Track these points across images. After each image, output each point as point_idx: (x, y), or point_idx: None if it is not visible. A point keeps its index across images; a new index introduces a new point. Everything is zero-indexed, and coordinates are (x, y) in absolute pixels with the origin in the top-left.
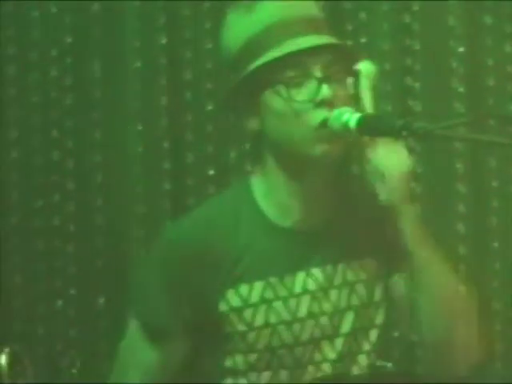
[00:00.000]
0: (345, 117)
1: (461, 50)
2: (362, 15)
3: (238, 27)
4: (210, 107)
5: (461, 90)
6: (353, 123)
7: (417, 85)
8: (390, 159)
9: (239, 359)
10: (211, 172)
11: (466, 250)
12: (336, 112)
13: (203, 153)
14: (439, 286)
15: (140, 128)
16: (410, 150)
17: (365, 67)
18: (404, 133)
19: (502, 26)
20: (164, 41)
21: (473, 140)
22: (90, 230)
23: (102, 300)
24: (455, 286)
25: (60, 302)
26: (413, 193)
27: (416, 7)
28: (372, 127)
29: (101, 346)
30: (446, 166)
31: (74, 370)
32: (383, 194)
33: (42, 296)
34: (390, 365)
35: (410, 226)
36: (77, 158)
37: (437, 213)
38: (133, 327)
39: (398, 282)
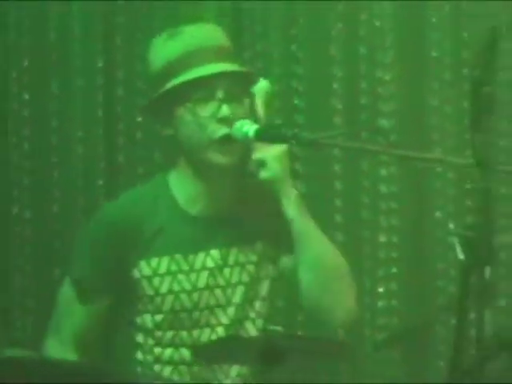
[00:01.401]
0: (245, 128)
1: (340, 74)
2: (258, 45)
3: (160, 51)
4: (139, 118)
5: (339, 107)
6: (251, 133)
7: (302, 103)
8: (269, 149)
9: (147, 318)
10: (140, 170)
11: (342, 237)
12: (238, 124)
13: (133, 155)
14: (318, 251)
15: (80, 134)
16: (296, 156)
17: (260, 86)
18: (293, 141)
19: (373, 55)
20: (101, 64)
21: (348, 148)
22: (45, 216)
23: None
24: (332, 254)
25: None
26: (292, 174)
27: (302, 37)
28: (267, 136)
29: None
30: (325, 167)
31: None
32: (264, 174)
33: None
34: (280, 328)
35: (288, 198)
36: (33, 158)
37: (318, 206)
38: (66, 283)
39: (286, 260)
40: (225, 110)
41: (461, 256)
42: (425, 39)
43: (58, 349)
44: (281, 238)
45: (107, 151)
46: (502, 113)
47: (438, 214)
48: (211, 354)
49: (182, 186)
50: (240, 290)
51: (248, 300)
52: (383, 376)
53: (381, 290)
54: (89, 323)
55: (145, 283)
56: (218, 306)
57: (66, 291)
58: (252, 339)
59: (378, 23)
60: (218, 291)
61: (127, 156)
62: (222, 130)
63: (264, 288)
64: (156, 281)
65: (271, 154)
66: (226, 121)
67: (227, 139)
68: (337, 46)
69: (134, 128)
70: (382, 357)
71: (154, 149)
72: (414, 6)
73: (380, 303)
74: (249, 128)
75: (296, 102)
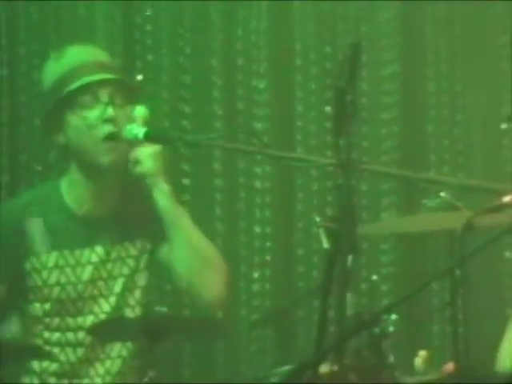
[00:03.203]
0: (135, 130)
1: (219, 82)
2: (149, 56)
3: (50, 71)
4: (38, 121)
5: (219, 112)
6: (141, 135)
7: (187, 109)
8: (144, 149)
9: (37, 306)
10: (38, 168)
11: (222, 228)
12: (128, 127)
13: (33, 153)
14: (188, 238)
15: None
16: (183, 156)
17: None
18: (179, 142)
19: (249, 66)
20: (6, 72)
21: (226, 148)
22: None
23: None
24: (202, 242)
25: None
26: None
27: (188, 49)
28: (155, 138)
29: None
30: (207, 166)
31: None
32: (138, 169)
33: None
34: (165, 309)
35: (160, 191)
36: None
37: (200, 200)
38: None
39: (163, 249)
40: (109, 111)
41: (326, 245)
42: (293, 52)
43: None
44: (157, 230)
45: (10, 150)
46: (363, 118)
47: (301, 207)
48: (103, 332)
49: (71, 190)
50: (121, 281)
51: (128, 290)
52: (257, 351)
53: (256, 275)
54: None
55: (35, 275)
56: (101, 295)
57: None
58: (137, 319)
59: (253, 38)
60: (100, 283)
61: (27, 154)
62: (108, 129)
63: (143, 279)
64: (45, 273)
65: (145, 153)
66: (111, 121)
67: (112, 137)
68: (217, 57)
69: (34, 130)
70: (257, 334)
71: (52, 148)
72: (284, 23)
73: (255, 287)
74: (138, 130)
75: (182, 108)
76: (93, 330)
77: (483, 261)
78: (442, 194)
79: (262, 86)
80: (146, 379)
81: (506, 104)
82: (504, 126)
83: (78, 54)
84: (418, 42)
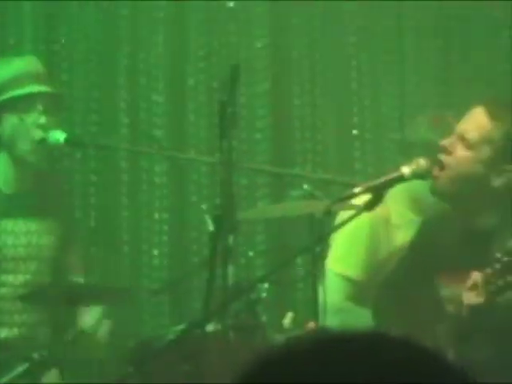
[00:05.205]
0: (57, 135)
1: (125, 96)
2: (64, 76)
3: None
4: None
5: (125, 121)
6: (62, 139)
7: (96, 118)
8: None
9: None
10: None
11: (127, 215)
12: (52, 133)
13: None
14: None
15: None
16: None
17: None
18: (92, 146)
19: (150, 83)
20: None
21: (131, 150)
22: None
23: None
24: None
25: None
26: None
27: (98, 70)
28: (73, 142)
29: None
30: (114, 164)
31: None
32: None
33: None
34: (82, 279)
35: None
36: None
37: (107, 192)
38: None
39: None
40: (43, 119)
41: (211, 228)
42: (185, 73)
43: None
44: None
45: None
46: (241, 125)
47: (193, 197)
48: (32, 299)
49: (1, 173)
50: (37, 249)
51: (44, 258)
52: (156, 313)
53: (155, 252)
54: None
55: None
56: (21, 259)
57: None
58: (57, 288)
59: (153, 61)
60: (20, 249)
61: None
62: (40, 134)
63: (53, 249)
64: None
65: None
66: (43, 127)
67: (43, 142)
68: (123, 76)
69: None
70: (156, 300)
71: None
72: (179, 50)
73: (155, 262)
74: (60, 135)
75: (94, 118)
76: (23, 297)
77: None
78: (305, 186)
79: (160, 100)
80: (68, 337)
81: (355, 115)
82: (355, 131)
83: (21, 64)
84: (285, 65)
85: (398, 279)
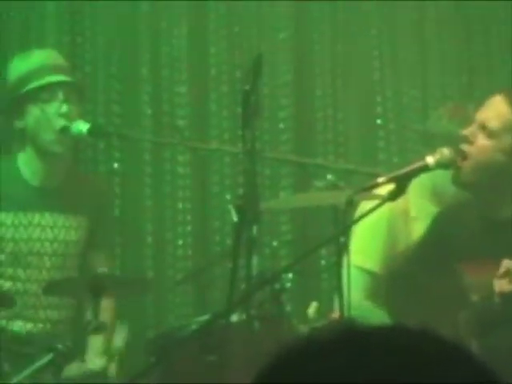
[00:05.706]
0: (80, 126)
1: (148, 89)
2: (87, 67)
3: (19, 66)
4: None
5: (148, 112)
6: (85, 130)
7: (120, 109)
8: None
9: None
10: None
11: (151, 204)
12: (75, 123)
13: None
14: None
15: None
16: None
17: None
18: (116, 136)
19: (172, 75)
20: None
21: (155, 141)
22: None
23: None
24: None
25: None
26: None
27: (147, 54)
28: (96, 132)
29: None
30: (137, 155)
31: None
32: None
33: None
34: (105, 270)
35: None
36: None
37: (132, 184)
38: None
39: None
40: (64, 108)
41: (235, 218)
42: (208, 64)
43: None
44: (92, 212)
45: None
46: (264, 115)
47: (216, 188)
48: (55, 290)
49: (27, 166)
50: (63, 245)
51: (69, 253)
52: (180, 303)
53: (180, 242)
54: None
55: None
56: (46, 254)
57: None
58: (82, 278)
59: (175, 53)
60: (46, 243)
61: None
62: (62, 122)
63: (81, 246)
64: (2, 230)
65: None
66: (65, 116)
67: (65, 130)
68: (146, 68)
69: None
70: (180, 289)
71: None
72: (201, 43)
73: (179, 252)
74: (83, 126)
75: (116, 109)
76: (47, 289)
77: None
78: (329, 176)
79: (183, 90)
80: (90, 327)
81: (377, 105)
82: (379, 121)
83: (41, 57)
84: (307, 57)
85: (413, 269)
